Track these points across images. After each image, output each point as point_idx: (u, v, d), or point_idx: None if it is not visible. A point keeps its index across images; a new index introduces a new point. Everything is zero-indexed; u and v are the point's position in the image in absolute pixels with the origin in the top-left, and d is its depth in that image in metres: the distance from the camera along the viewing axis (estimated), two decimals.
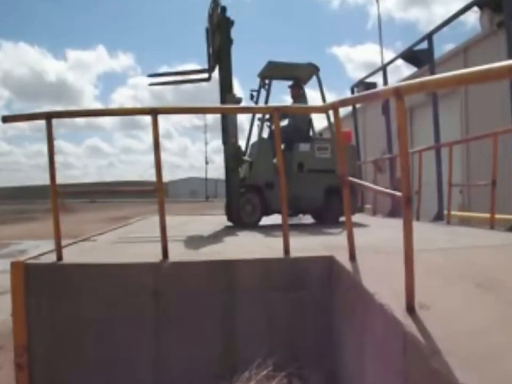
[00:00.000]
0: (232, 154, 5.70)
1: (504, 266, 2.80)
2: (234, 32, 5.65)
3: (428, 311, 1.87)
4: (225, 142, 5.76)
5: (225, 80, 5.64)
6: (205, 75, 6.06)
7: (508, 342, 1.54)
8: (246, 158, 6.06)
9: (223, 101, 5.62)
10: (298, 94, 6.56)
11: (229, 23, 5.57)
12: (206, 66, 6.12)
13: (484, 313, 1.85)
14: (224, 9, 5.54)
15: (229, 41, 5.60)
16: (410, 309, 1.87)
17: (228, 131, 5.68)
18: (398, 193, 1.97)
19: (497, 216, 5.23)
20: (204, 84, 6.10)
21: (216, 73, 5.84)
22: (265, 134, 6.35)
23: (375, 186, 2.96)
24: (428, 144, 7.76)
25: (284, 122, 6.45)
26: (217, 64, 5.75)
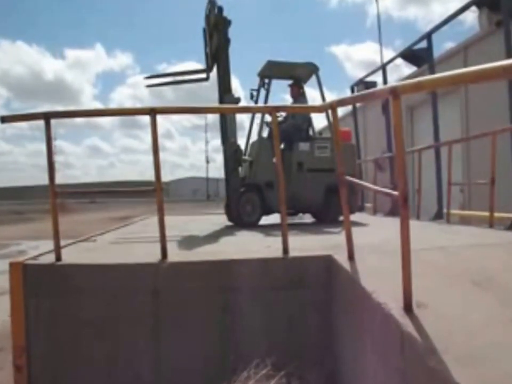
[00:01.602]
0: (232, 154, 5.71)
1: (502, 265, 2.80)
2: (232, 32, 5.66)
3: (425, 310, 1.87)
4: (224, 142, 5.77)
5: (223, 80, 5.65)
6: (203, 75, 6.06)
7: (504, 341, 1.54)
8: (245, 157, 6.07)
9: (221, 101, 5.62)
10: (298, 93, 6.56)
11: (226, 23, 5.58)
12: (205, 64, 6.12)
13: (481, 312, 1.85)
14: (220, 9, 5.55)
15: (227, 41, 5.61)
16: (408, 307, 1.87)
17: (227, 131, 5.69)
18: (395, 193, 1.97)
19: (497, 214, 5.23)
20: (203, 82, 6.10)
21: (214, 73, 5.85)
22: (265, 134, 6.36)
23: (372, 186, 2.97)
24: (429, 143, 7.76)
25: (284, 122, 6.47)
26: (215, 64, 5.76)
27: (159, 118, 3.17)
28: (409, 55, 10.84)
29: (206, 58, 6.00)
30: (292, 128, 6.30)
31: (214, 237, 4.79)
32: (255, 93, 6.54)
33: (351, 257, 2.89)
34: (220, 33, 5.56)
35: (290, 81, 6.66)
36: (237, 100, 5.67)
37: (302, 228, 5.48)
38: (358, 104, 12.32)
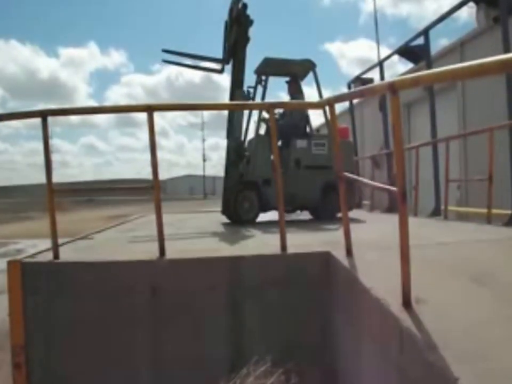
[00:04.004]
0: (234, 147, 5.75)
1: (500, 260, 2.81)
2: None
3: (424, 305, 1.88)
4: (229, 136, 5.81)
5: (236, 75, 5.74)
6: (218, 66, 6.09)
7: (502, 336, 1.55)
8: (246, 153, 6.09)
9: (232, 95, 5.69)
10: (295, 90, 6.56)
11: (248, 21, 5.67)
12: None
13: (479, 308, 1.86)
14: (245, 5, 5.64)
15: (246, 39, 5.70)
16: (407, 303, 1.88)
17: (233, 126, 5.73)
18: (393, 188, 1.97)
19: (494, 211, 5.24)
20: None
21: (227, 69, 5.97)
22: (262, 131, 6.35)
23: (371, 182, 2.97)
24: (426, 140, 7.76)
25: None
26: (232, 59, 5.82)
27: (155, 116, 3.16)
28: (406, 52, 10.84)
29: (223, 51, 6.02)
30: (289, 125, 6.30)
31: (211, 234, 4.78)
32: (252, 90, 6.53)
33: (349, 253, 2.89)
34: (239, 28, 5.65)
35: (287, 78, 6.66)
36: (247, 97, 5.81)
37: (299, 224, 5.49)
38: (355, 101, 12.33)
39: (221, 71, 6.10)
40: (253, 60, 6.12)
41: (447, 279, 2.32)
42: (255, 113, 6.45)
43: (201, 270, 3.10)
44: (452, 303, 1.92)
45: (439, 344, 1.49)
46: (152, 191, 3.20)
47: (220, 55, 6.05)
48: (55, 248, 3.17)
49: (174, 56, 6.37)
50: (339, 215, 5.53)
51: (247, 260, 3.12)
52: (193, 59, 6.49)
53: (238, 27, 5.65)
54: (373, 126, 13.07)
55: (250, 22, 5.69)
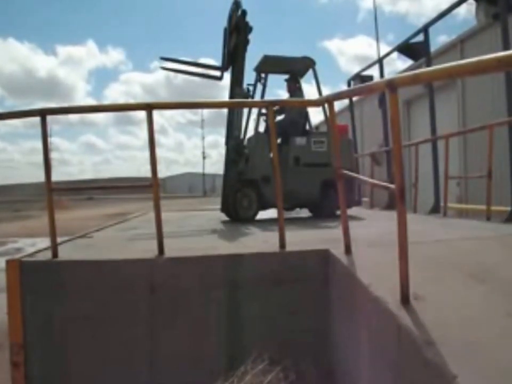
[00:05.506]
0: (234, 145, 5.75)
1: (499, 257, 2.81)
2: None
3: (423, 302, 1.88)
4: (228, 135, 5.86)
5: (237, 76, 5.79)
6: (217, 73, 6.10)
7: (500, 332, 1.55)
8: (246, 150, 6.09)
9: (232, 93, 5.74)
10: (294, 88, 6.56)
11: (247, 28, 5.71)
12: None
13: (478, 305, 1.86)
14: (244, 12, 5.67)
15: (245, 43, 5.75)
16: (405, 300, 1.88)
17: (233, 125, 5.74)
18: (392, 186, 1.97)
19: (494, 208, 5.24)
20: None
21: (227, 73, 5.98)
22: (261, 128, 6.36)
23: (369, 179, 2.97)
24: (426, 137, 7.76)
25: (280, 116, 6.46)
26: (231, 64, 5.86)
27: (154, 113, 3.16)
28: (405, 49, 10.82)
29: (223, 57, 6.03)
30: (288, 122, 6.29)
31: (210, 232, 4.78)
32: (251, 88, 6.52)
33: (348, 251, 2.89)
34: (239, 35, 5.68)
35: (286, 76, 6.65)
36: (247, 95, 5.85)
37: (298, 222, 5.49)
38: (354, 99, 12.31)
39: (220, 78, 6.10)
40: (252, 58, 6.13)
41: (446, 276, 2.32)
42: (255, 111, 6.46)
43: (200, 268, 3.09)
44: (451, 300, 1.92)
45: (437, 341, 1.49)
46: (151, 189, 3.20)
47: (218, 53, 6.06)
48: (54, 247, 3.17)
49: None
50: (338, 212, 5.54)
51: (246, 257, 3.12)
52: (192, 66, 6.50)
53: (237, 34, 5.69)
54: (372, 123, 13.06)
55: (249, 29, 5.73)
